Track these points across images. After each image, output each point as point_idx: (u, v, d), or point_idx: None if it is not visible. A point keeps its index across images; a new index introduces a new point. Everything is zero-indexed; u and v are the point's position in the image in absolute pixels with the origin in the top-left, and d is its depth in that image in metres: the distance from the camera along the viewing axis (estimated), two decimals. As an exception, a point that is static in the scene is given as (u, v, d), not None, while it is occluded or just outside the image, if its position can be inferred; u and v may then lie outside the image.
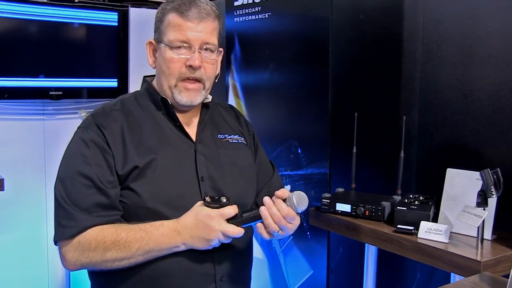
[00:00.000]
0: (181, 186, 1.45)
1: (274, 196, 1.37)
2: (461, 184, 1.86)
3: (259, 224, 1.36)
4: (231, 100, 2.94)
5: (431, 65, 2.24)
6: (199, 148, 1.52)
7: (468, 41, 2.09)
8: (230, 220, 1.34)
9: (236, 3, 2.85)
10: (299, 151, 2.51)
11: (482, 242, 1.68)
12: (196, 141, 1.53)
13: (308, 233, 2.49)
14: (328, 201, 2.10)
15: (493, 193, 1.65)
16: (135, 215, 1.40)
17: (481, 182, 1.67)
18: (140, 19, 3.32)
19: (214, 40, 1.49)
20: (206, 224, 1.33)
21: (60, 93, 3.12)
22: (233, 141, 1.62)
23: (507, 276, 1.42)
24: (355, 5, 2.57)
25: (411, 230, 1.81)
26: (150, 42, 1.55)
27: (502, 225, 1.80)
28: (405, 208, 1.88)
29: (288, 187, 1.38)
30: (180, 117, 1.54)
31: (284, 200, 1.36)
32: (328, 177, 2.36)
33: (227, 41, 2.92)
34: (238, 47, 2.88)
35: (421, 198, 2.00)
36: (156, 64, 1.53)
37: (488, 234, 1.76)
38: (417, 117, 2.31)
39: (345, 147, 2.30)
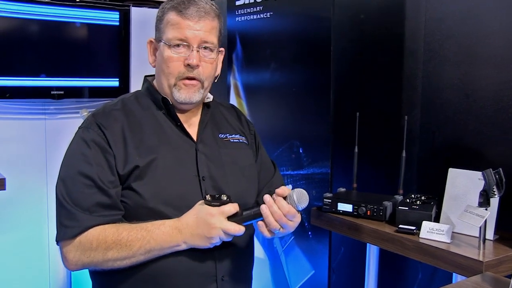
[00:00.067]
0: (182, 186, 1.45)
1: (274, 194, 1.36)
2: (463, 184, 1.86)
3: (260, 223, 1.36)
4: (233, 100, 2.94)
5: (433, 65, 2.24)
6: (200, 148, 1.52)
7: (471, 40, 2.09)
8: (230, 218, 1.34)
9: (237, 3, 2.84)
10: (301, 151, 2.50)
11: (484, 242, 1.67)
12: (197, 141, 1.52)
13: (309, 233, 2.48)
14: (330, 201, 2.10)
15: (495, 193, 1.64)
16: (136, 215, 1.40)
17: (483, 182, 1.66)
18: (142, 18, 3.31)
19: (213, 39, 1.49)
20: (207, 222, 1.33)
21: (62, 92, 3.12)
22: (234, 140, 1.62)
23: (509, 276, 1.42)
24: (356, 5, 2.56)
25: (413, 230, 1.81)
26: (151, 41, 1.55)
27: (504, 225, 1.80)
28: (407, 208, 1.88)
29: (289, 186, 1.37)
30: (181, 116, 1.53)
31: (285, 198, 1.35)
32: (330, 177, 2.35)
33: (229, 40, 2.92)
34: (239, 46, 2.88)
35: (423, 198, 2.00)
36: (156, 63, 1.53)
37: (490, 234, 1.75)
38: (419, 116, 2.30)
39: (346, 146, 2.30)
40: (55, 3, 3.05)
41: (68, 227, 1.37)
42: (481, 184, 1.68)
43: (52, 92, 3.09)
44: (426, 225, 1.78)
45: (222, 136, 1.60)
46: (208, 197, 1.36)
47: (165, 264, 1.39)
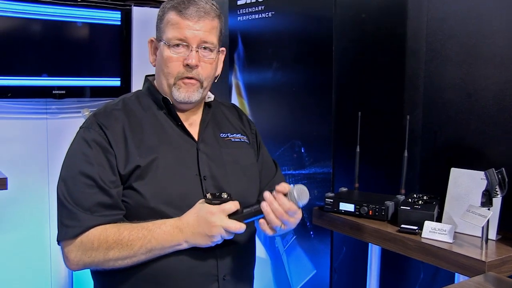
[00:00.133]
0: (184, 185, 1.45)
1: (274, 191, 1.36)
2: (465, 184, 1.85)
3: (261, 220, 1.36)
4: (234, 99, 2.94)
5: (435, 64, 2.23)
6: (201, 147, 1.51)
7: (473, 39, 2.08)
8: (231, 216, 1.34)
9: (239, 2, 2.84)
10: (302, 151, 2.50)
11: (486, 242, 1.67)
12: (198, 140, 1.52)
13: (311, 232, 2.48)
14: (332, 200, 2.10)
15: (498, 193, 1.64)
16: (138, 214, 1.40)
17: (485, 181, 1.65)
18: (143, 18, 3.31)
19: (212, 39, 1.48)
20: (208, 220, 1.33)
21: (63, 92, 3.12)
22: (236, 140, 1.62)
23: (512, 277, 1.41)
24: (358, 5, 2.56)
25: (415, 230, 1.80)
26: (151, 40, 1.55)
27: (507, 225, 1.79)
28: (409, 208, 1.88)
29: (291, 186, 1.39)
30: (182, 116, 1.53)
31: (285, 195, 1.35)
32: (332, 177, 2.35)
33: (230, 40, 2.91)
34: (241, 46, 2.87)
35: (425, 197, 1.99)
36: (156, 62, 1.53)
37: (492, 234, 1.75)
38: (421, 116, 2.30)
39: (348, 146, 2.30)
40: (57, 3, 3.05)
41: (69, 227, 1.37)
42: (483, 184, 1.68)
43: (53, 92, 3.09)
44: (428, 225, 1.78)
45: (223, 136, 1.60)
46: (208, 195, 1.36)
47: (166, 264, 1.39)
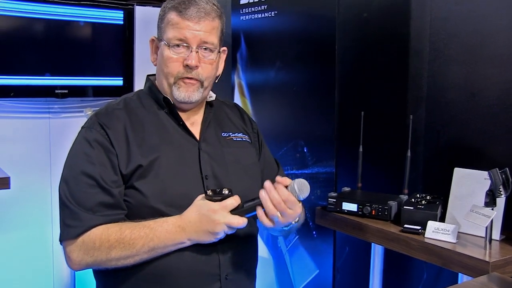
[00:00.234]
0: (185, 185, 1.44)
1: (276, 183, 1.36)
2: (469, 184, 1.85)
3: (259, 212, 1.35)
4: (237, 99, 2.94)
5: (438, 64, 2.22)
6: (203, 147, 1.51)
7: (476, 39, 2.08)
8: (233, 211, 1.34)
9: (242, 2, 2.83)
10: (305, 150, 2.50)
11: (490, 242, 1.66)
12: (200, 140, 1.52)
13: (314, 232, 2.48)
14: (334, 200, 2.09)
15: (501, 193, 1.63)
16: (139, 214, 1.40)
17: (489, 181, 1.65)
18: (146, 17, 3.31)
19: (213, 39, 1.48)
20: (211, 218, 1.33)
21: (66, 91, 3.13)
22: (237, 139, 1.61)
23: (516, 277, 1.41)
24: (361, 4, 2.55)
25: (418, 229, 1.80)
26: (153, 39, 1.55)
27: (511, 225, 1.79)
28: (412, 208, 1.87)
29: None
30: (184, 115, 1.53)
31: (286, 188, 1.35)
32: (334, 176, 2.35)
33: (233, 39, 2.91)
34: (244, 45, 2.87)
35: (428, 197, 1.99)
36: (157, 61, 1.53)
37: (496, 234, 1.74)
38: (424, 116, 2.29)
39: (351, 146, 2.29)
40: (59, 2, 3.06)
41: (71, 226, 1.36)
42: (487, 184, 1.67)
43: (56, 91, 3.09)
44: (431, 224, 1.77)
45: (225, 135, 1.60)
46: (209, 192, 1.36)
47: (168, 263, 1.39)
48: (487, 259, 1.58)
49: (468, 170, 1.86)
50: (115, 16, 3.27)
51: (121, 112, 1.49)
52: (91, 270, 1.48)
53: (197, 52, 1.46)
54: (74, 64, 3.16)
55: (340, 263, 2.64)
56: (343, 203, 2.07)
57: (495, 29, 2.01)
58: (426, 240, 1.75)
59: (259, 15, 2.72)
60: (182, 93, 1.48)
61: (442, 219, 1.87)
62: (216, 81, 1.59)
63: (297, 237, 2.57)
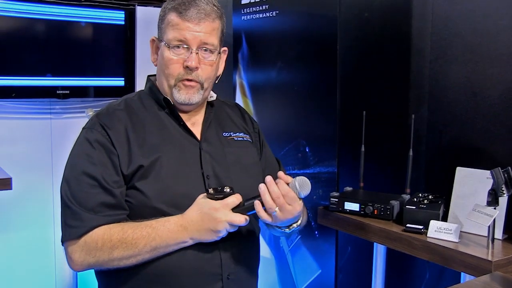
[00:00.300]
0: (187, 185, 1.44)
1: (278, 179, 1.35)
2: (471, 183, 1.84)
3: (258, 207, 1.34)
4: (239, 99, 2.93)
5: (440, 63, 2.22)
6: (204, 147, 1.51)
7: (478, 38, 2.07)
8: (234, 209, 1.35)
9: (243, 1, 2.83)
10: (307, 150, 2.49)
11: (493, 241, 1.66)
12: (201, 140, 1.52)
13: (316, 232, 2.47)
14: (337, 200, 2.09)
15: (504, 192, 1.63)
16: (141, 214, 1.40)
17: (491, 181, 1.64)
18: (147, 17, 3.31)
19: (213, 40, 1.48)
20: (213, 217, 1.33)
21: (67, 92, 3.13)
22: (238, 139, 1.61)
23: (519, 276, 1.40)
24: (363, 3, 2.55)
25: (421, 229, 1.80)
26: (153, 40, 1.55)
27: (513, 224, 1.79)
28: (414, 207, 1.87)
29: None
30: (184, 116, 1.53)
31: (287, 184, 1.35)
32: (336, 176, 2.34)
33: (234, 39, 2.91)
34: (245, 45, 2.87)
35: (430, 197, 1.98)
36: (157, 62, 1.53)
37: (499, 234, 1.74)
38: (426, 115, 2.29)
39: (353, 145, 2.29)
40: (61, 3, 3.06)
41: (73, 227, 1.36)
42: (489, 183, 1.67)
43: (57, 92, 3.10)
44: (434, 224, 1.77)
45: (226, 135, 1.60)
46: (211, 190, 1.37)
47: (170, 263, 1.39)
48: (489, 258, 1.57)
49: (470, 170, 1.86)
50: (116, 17, 3.27)
51: (122, 113, 1.49)
52: (93, 270, 1.48)
53: (197, 53, 1.45)
54: (75, 64, 3.16)
55: (342, 263, 2.64)
56: (345, 203, 2.06)
57: (497, 28, 2.01)
58: (428, 240, 1.74)
59: (261, 15, 2.72)
60: (182, 96, 1.48)
61: (444, 218, 1.86)
62: (217, 81, 1.58)
63: (299, 237, 2.57)
